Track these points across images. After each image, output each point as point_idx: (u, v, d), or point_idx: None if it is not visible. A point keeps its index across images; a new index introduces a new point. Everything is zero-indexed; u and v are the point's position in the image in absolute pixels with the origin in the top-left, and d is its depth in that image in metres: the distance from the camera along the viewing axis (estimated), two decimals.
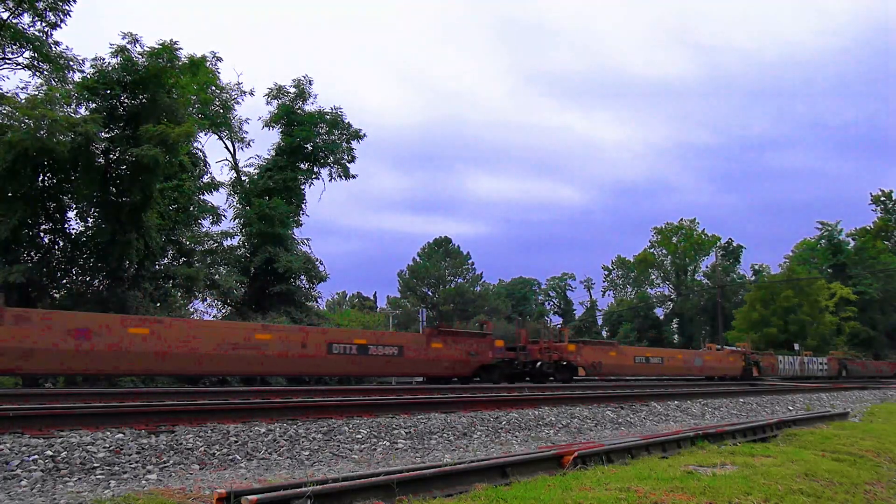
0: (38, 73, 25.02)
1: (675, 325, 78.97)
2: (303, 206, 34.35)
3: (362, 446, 7.70)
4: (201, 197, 30.08)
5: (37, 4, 23.91)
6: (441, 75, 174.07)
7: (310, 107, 35.17)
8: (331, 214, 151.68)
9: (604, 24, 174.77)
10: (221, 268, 30.62)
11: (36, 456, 5.68)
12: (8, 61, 24.70)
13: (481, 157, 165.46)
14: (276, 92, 34.95)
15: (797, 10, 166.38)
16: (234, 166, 35.55)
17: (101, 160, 21.88)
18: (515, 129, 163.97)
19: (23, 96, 22.08)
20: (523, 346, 24.80)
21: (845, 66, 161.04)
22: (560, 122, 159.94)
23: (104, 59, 22.89)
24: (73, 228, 23.03)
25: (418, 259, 71.18)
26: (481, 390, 16.29)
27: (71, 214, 22.95)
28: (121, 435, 6.55)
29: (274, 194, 32.56)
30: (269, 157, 34.65)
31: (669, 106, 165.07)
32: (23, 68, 25.01)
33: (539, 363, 25.03)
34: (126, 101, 23.04)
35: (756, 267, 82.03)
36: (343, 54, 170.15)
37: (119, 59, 22.82)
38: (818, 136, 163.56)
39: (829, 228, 74.44)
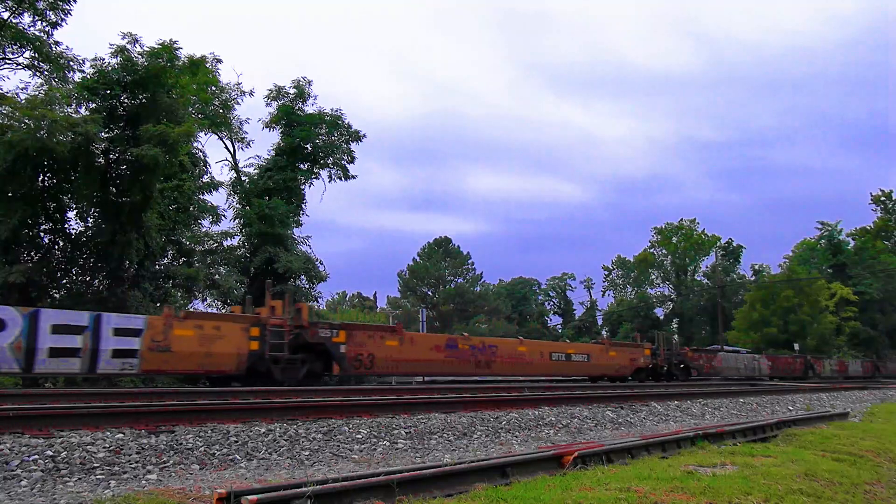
0: (38, 73, 25.03)
1: (675, 325, 78.84)
2: (303, 206, 34.38)
3: (362, 446, 7.70)
4: (201, 197, 30.07)
5: (37, 4, 23.91)
6: (438, 68, 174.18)
7: (310, 108, 35.22)
8: (331, 214, 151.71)
9: (604, 13, 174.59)
10: (221, 268, 30.59)
11: (36, 456, 5.68)
12: (8, 61, 24.72)
13: (480, 153, 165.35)
14: (276, 93, 34.98)
15: (801, 1, 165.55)
16: (234, 166, 35.56)
17: (101, 160, 21.85)
18: (515, 123, 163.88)
19: (23, 96, 22.08)
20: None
21: (851, 58, 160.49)
22: (560, 116, 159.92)
23: (104, 59, 22.89)
24: (73, 228, 23.02)
25: (418, 259, 71.06)
26: (482, 390, 16.28)
27: (71, 214, 22.93)
28: (121, 435, 6.55)
29: (274, 194, 32.56)
30: (268, 157, 34.67)
31: (671, 99, 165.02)
32: (23, 68, 25.04)
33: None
34: (126, 101, 23.02)
35: (756, 267, 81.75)
36: (339, 49, 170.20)
37: (119, 59, 22.80)
38: (821, 132, 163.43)
39: (829, 228, 74.33)
